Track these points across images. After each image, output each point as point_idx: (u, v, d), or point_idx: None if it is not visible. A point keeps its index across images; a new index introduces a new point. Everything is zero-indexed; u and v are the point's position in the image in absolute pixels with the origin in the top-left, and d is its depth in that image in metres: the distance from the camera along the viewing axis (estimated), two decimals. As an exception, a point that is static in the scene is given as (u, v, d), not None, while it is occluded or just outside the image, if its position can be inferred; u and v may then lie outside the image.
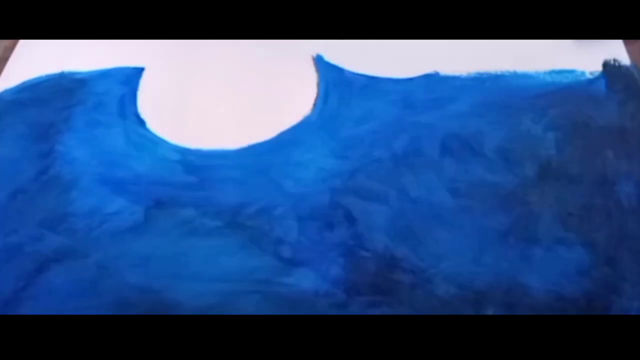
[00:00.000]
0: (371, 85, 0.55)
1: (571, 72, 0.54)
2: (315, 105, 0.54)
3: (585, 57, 0.56)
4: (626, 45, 0.57)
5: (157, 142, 0.51)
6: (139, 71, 0.56)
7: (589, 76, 0.54)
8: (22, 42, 0.60)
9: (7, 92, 0.55)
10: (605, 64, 0.55)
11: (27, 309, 0.43)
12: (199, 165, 0.50)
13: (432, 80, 0.55)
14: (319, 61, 0.57)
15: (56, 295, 0.43)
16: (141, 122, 0.53)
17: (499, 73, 0.55)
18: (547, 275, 0.43)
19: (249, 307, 0.43)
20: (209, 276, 0.44)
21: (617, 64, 0.55)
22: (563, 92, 0.53)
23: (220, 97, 0.55)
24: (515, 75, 0.55)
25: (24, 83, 0.55)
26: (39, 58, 0.58)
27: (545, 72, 0.54)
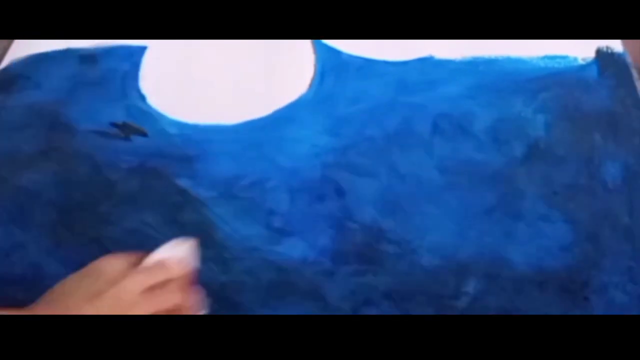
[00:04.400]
0: (367, 67, 0.56)
1: (564, 57, 0.55)
2: (311, 84, 0.55)
3: (578, 43, 0.56)
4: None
5: (156, 116, 0.53)
6: (141, 49, 0.58)
7: (581, 62, 0.55)
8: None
9: (15, 64, 0.57)
10: (598, 51, 0.56)
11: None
12: (196, 139, 0.51)
13: (426, 63, 0.56)
14: (316, 43, 0.58)
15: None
16: (142, 97, 0.54)
17: (492, 57, 0.56)
18: (529, 250, 0.44)
19: (239, 273, 0.44)
20: (203, 243, 0.45)
21: (609, 51, 0.56)
22: (555, 76, 0.54)
23: (219, 75, 0.56)
24: (508, 60, 0.55)
25: (30, 57, 0.57)
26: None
27: (538, 58, 0.55)
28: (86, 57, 0.58)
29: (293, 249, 0.45)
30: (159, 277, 0.37)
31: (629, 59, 0.55)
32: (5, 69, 0.57)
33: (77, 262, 0.45)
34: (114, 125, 0.47)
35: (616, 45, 0.56)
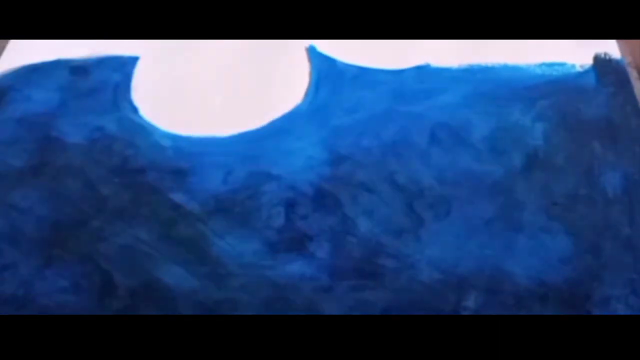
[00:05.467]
0: (362, 75, 0.55)
1: (561, 65, 0.55)
2: (306, 94, 0.54)
3: (575, 50, 0.56)
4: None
5: (149, 128, 0.52)
6: (133, 60, 0.57)
7: (579, 69, 0.54)
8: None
9: (4, 76, 0.56)
10: (596, 58, 0.55)
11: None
12: (190, 152, 0.50)
13: (423, 71, 0.55)
14: (311, 51, 0.57)
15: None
16: (134, 109, 0.53)
17: (489, 65, 0.55)
18: (530, 263, 0.43)
19: (235, 290, 0.43)
20: (197, 259, 0.44)
21: (607, 57, 0.55)
22: (553, 84, 0.53)
23: (213, 86, 0.55)
24: (505, 68, 0.55)
25: (20, 68, 0.56)
26: (35, 45, 0.59)
27: (535, 65, 0.55)
28: (77, 68, 0.57)
29: (290, 265, 0.44)
30: None
31: (628, 65, 0.55)
32: (-5, 81, 0.56)
33: (70, 280, 0.44)
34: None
35: (614, 51, 0.56)
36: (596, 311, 0.41)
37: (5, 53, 0.58)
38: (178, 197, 0.48)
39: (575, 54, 0.56)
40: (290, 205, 0.47)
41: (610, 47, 0.56)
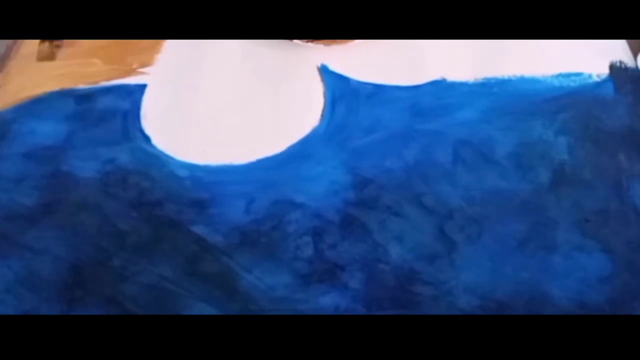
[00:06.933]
0: (378, 93, 0.54)
1: (578, 75, 0.54)
2: (322, 116, 0.53)
3: (590, 59, 0.55)
4: (630, 45, 0.57)
5: (164, 158, 0.50)
6: (141, 88, 0.55)
7: (596, 79, 0.54)
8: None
9: (7, 111, 0.54)
10: (612, 67, 0.54)
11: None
12: (208, 181, 0.49)
13: (439, 87, 0.54)
14: (324, 71, 0.56)
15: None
16: (146, 139, 0.52)
17: (506, 78, 0.54)
18: (568, 283, 0.42)
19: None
20: (226, 296, 0.43)
21: (623, 65, 0.55)
22: (572, 95, 0.53)
23: (225, 111, 0.54)
24: (522, 80, 0.54)
25: (23, 101, 0.54)
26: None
27: (552, 76, 0.54)
28: (82, 97, 0.55)
29: (323, 297, 0.43)
30: None
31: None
32: (-4, 115, 0.54)
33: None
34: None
35: (627, 56, 0.56)
36: None
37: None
38: (200, 230, 0.46)
39: (590, 62, 0.55)
40: (317, 234, 0.45)
41: (624, 53, 0.56)
